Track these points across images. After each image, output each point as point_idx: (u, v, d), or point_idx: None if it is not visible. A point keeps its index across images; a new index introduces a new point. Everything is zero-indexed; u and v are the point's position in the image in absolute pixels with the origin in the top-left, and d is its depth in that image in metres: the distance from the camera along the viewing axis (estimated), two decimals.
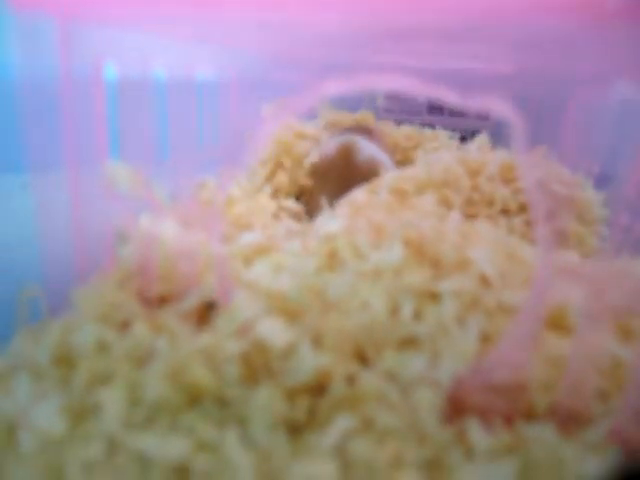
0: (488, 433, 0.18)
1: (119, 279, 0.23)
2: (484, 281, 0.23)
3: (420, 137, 0.53)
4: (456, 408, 0.19)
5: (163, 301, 0.23)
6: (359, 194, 0.32)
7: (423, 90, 0.17)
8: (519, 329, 0.19)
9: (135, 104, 0.25)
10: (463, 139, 0.53)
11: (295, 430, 0.18)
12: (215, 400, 0.18)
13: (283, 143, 0.43)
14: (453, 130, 0.54)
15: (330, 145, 0.42)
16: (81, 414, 0.18)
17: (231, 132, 0.36)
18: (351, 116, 0.55)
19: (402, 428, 0.17)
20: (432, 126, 0.57)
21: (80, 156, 0.24)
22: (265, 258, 0.23)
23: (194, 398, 0.18)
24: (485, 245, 0.24)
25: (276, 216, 0.35)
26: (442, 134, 0.53)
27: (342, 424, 0.17)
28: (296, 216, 0.37)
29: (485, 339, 0.20)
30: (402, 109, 0.62)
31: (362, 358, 0.20)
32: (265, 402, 0.17)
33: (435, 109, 0.61)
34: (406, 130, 0.54)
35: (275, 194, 0.41)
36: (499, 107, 0.17)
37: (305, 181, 0.41)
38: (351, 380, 0.19)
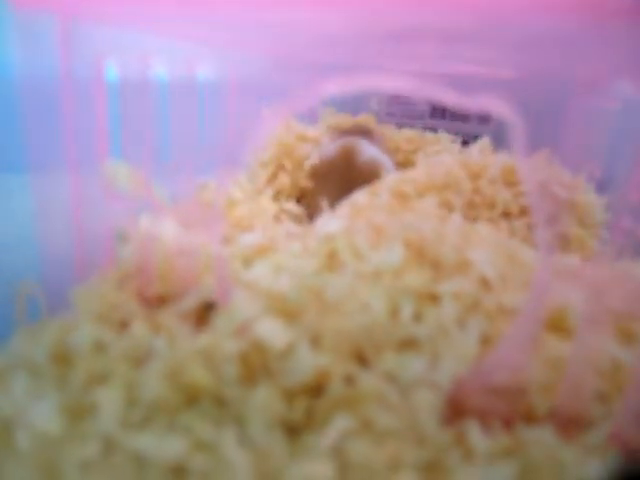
0: (487, 435, 0.18)
1: (118, 279, 0.23)
2: (484, 283, 0.23)
3: (421, 141, 0.53)
4: (455, 410, 0.19)
5: (162, 301, 0.23)
6: (360, 196, 0.32)
7: (423, 90, 0.17)
8: (519, 331, 0.18)
9: (136, 104, 0.25)
10: (465, 143, 0.53)
11: (293, 431, 0.17)
12: (213, 400, 0.18)
13: (284, 145, 0.43)
14: (455, 134, 0.54)
15: (331, 147, 0.42)
16: (78, 413, 0.18)
17: (232, 133, 0.36)
18: (352, 119, 0.55)
19: (401, 429, 0.17)
20: (434, 130, 0.57)
21: (80, 156, 0.24)
22: (265, 259, 0.23)
23: (192, 398, 0.18)
24: (486, 247, 0.24)
25: (277, 218, 0.35)
26: (444, 138, 0.53)
27: (340, 425, 0.17)
28: (297, 218, 0.37)
29: (485, 341, 0.20)
30: (404, 113, 0.62)
31: (361, 359, 0.20)
32: (263, 402, 0.17)
33: (437, 113, 0.61)
34: (407, 133, 0.54)
35: (276, 196, 0.41)
36: (498, 108, 0.17)
37: (306, 183, 0.41)
38: (350, 381, 0.18)
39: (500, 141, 0.45)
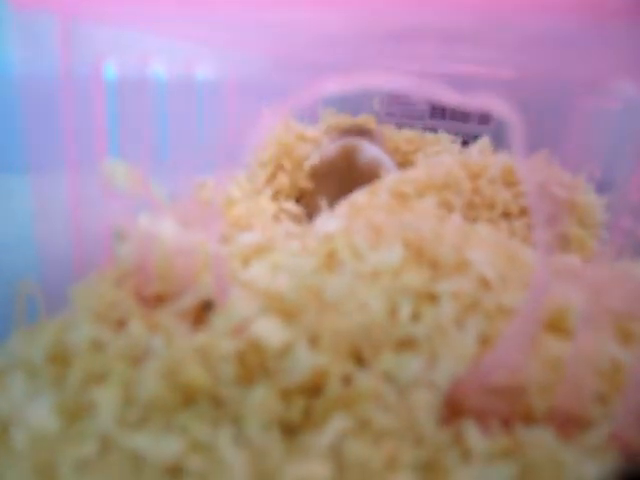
0: (486, 435, 0.18)
1: (116, 277, 0.23)
2: (483, 283, 0.23)
3: (421, 141, 0.53)
4: (453, 410, 0.19)
5: (160, 300, 0.23)
6: (359, 196, 0.32)
7: (422, 89, 0.17)
8: (517, 331, 0.18)
9: (135, 103, 0.25)
10: (465, 143, 0.53)
11: (290, 430, 0.17)
12: (210, 399, 0.18)
13: (284, 145, 0.43)
14: (455, 134, 0.54)
15: (331, 147, 0.42)
16: (75, 413, 0.18)
17: (231, 132, 0.36)
18: (352, 120, 0.55)
19: (399, 429, 0.17)
20: (434, 130, 0.57)
21: (80, 155, 0.24)
22: (263, 258, 0.23)
23: (189, 397, 0.18)
24: (485, 247, 0.24)
25: (276, 218, 0.35)
26: (444, 138, 0.53)
27: (338, 424, 0.16)
28: (296, 218, 0.37)
29: (484, 341, 0.20)
30: (404, 113, 0.62)
31: (359, 359, 0.20)
32: (260, 402, 0.17)
33: (437, 113, 0.61)
34: (407, 134, 0.54)
35: (275, 196, 0.41)
36: (498, 107, 0.17)
37: (305, 183, 0.41)
38: (347, 381, 0.18)
39: (500, 141, 0.45)
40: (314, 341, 0.19)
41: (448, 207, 0.36)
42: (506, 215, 0.37)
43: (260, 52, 0.38)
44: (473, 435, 0.17)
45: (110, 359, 0.19)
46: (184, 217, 0.23)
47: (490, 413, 0.18)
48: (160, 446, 0.16)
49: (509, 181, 0.39)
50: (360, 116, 0.56)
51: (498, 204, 0.37)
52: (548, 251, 0.17)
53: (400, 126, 0.57)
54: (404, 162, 0.50)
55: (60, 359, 0.20)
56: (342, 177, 0.40)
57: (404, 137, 0.53)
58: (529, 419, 0.19)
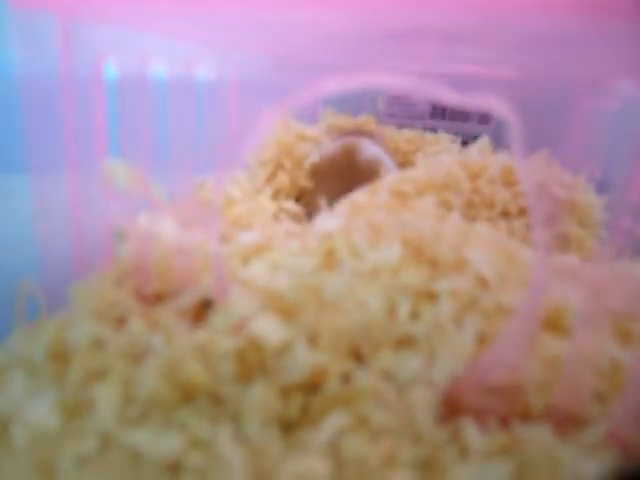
0: (484, 433, 0.18)
1: (116, 277, 0.24)
2: (482, 282, 0.23)
3: (421, 141, 0.53)
4: (452, 408, 0.19)
5: (160, 299, 0.23)
6: (359, 195, 0.32)
7: (422, 89, 0.17)
8: (516, 330, 0.18)
9: (135, 103, 0.25)
10: (465, 143, 0.53)
11: (289, 428, 0.17)
12: (209, 397, 0.18)
13: (284, 144, 0.43)
14: (455, 134, 0.54)
15: (331, 146, 0.42)
16: (75, 410, 0.18)
17: (231, 132, 0.36)
18: (352, 120, 0.55)
19: (397, 427, 0.17)
20: (434, 130, 0.57)
21: (80, 155, 0.24)
22: (263, 257, 0.23)
23: (188, 395, 0.18)
24: (484, 246, 0.24)
25: (276, 217, 0.35)
26: (443, 138, 0.53)
27: (336, 422, 0.17)
28: (296, 217, 0.37)
29: (482, 340, 0.20)
30: (404, 113, 0.62)
31: (358, 357, 0.20)
32: (259, 399, 0.17)
33: (437, 113, 0.61)
34: (407, 134, 0.54)
35: (275, 195, 0.41)
36: (497, 106, 0.17)
37: (305, 183, 0.41)
38: (346, 379, 0.18)
39: (500, 141, 0.45)
40: (313, 339, 0.19)
41: (448, 206, 0.36)
42: (505, 215, 0.37)
43: (260, 52, 0.38)
44: (471, 433, 0.17)
45: (110, 357, 0.19)
46: (184, 217, 0.23)
47: (488, 411, 0.18)
48: (159, 443, 0.16)
49: (508, 181, 0.39)
50: (360, 116, 0.56)
51: (497, 204, 0.37)
52: (546, 251, 0.17)
53: (400, 126, 0.57)
54: (404, 162, 0.50)
55: (60, 357, 0.20)
56: (342, 176, 0.40)
57: (404, 137, 0.53)
58: (527, 417, 0.19)
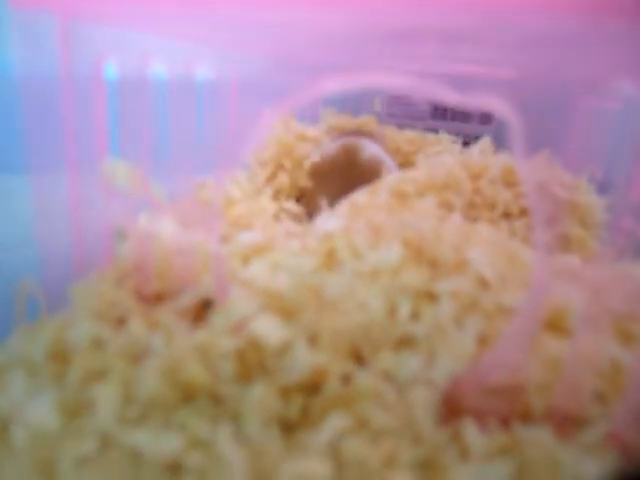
0: (484, 434, 0.18)
1: (116, 276, 0.24)
2: (483, 283, 0.23)
3: (422, 141, 0.53)
4: (452, 409, 0.19)
5: (160, 299, 0.23)
6: (359, 195, 0.32)
7: (422, 89, 0.17)
8: (516, 331, 0.18)
9: (135, 103, 0.25)
10: (466, 144, 0.53)
11: (289, 428, 0.17)
12: (209, 397, 0.18)
13: (284, 145, 0.43)
14: (456, 135, 0.54)
15: (331, 146, 0.42)
16: (75, 410, 0.18)
17: (231, 132, 0.36)
18: (353, 120, 0.55)
19: (397, 428, 0.17)
20: (435, 131, 0.57)
21: (80, 155, 0.24)
22: (263, 257, 0.23)
23: (188, 395, 0.18)
24: (485, 247, 0.24)
25: (276, 218, 0.35)
26: (444, 138, 0.53)
27: (336, 422, 0.17)
28: (296, 218, 0.37)
29: (483, 341, 0.20)
30: (405, 114, 0.62)
31: (358, 358, 0.20)
32: (259, 400, 0.17)
33: (438, 114, 0.61)
34: (408, 134, 0.54)
35: (276, 195, 0.41)
36: (498, 106, 0.17)
37: (306, 183, 0.41)
38: (346, 379, 0.18)
39: (501, 142, 0.45)
40: (313, 340, 0.19)
41: (448, 207, 0.36)
42: (507, 215, 0.37)
43: (260, 52, 0.38)
44: (471, 434, 0.17)
45: (110, 357, 0.19)
46: (184, 217, 0.23)
47: (488, 412, 0.18)
48: (159, 443, 0.16)
49: (510, 181, 0.39)
50: (361, 117, 0.56)
51: (499, 204, 0.37)
52: (548, 251, 0.17)
53: (401, 127, 0.57)
54: (405, 163, 0.50)
55: (60, 357, 0.20)
56: (343, 175, 0.40)
57: (405, 138, 0.53)
58: (527, 418, 0.19)
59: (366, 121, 0.54)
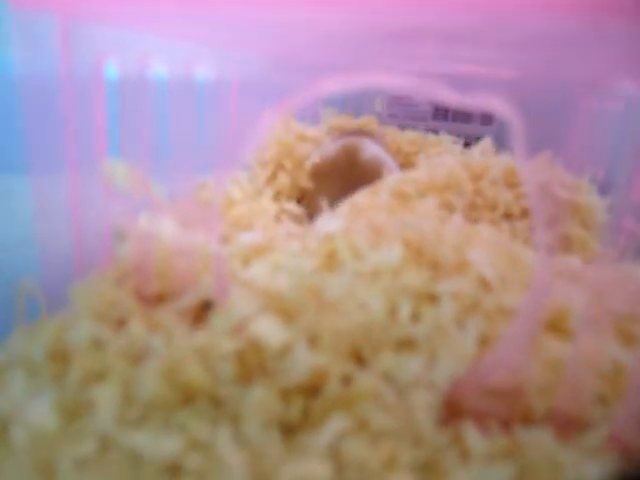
0: (485, 436, 0.17)
1: (116, 277, 0.23)
2: (484, 284, 0.23)
3: (423, 142, 0.53)
4: (453, 411, 0.18)
5: (160, 299, 0.23)
6: (360, 196, 0.32)
7: (423, 89, 0.17)
8: (517, 332, 0.18)
9: (135, 103, 0.25)
10: (467, 144, 0.53)
11: (289, 430, 0.17)
12: (209, 399, 0.18)
13: (284, 145, 0.42)
14: (457, 135, 0.54)
15: (332, 146, 0.42)
16: (75, 411, 0.18)
17: (231, 132, 0.36)
18: (354, 121, 0.55)
19: (397, 430, 0.17)
20: (436, 131, 0.57)
21: (80, 155, 0.24)
22: (263, 258, 0.23)
23: (188, 396, 0.18)
24: (486, 248, 0.24)
25: (277, 218, 0.35)
26: (445, 139, 0.53)
27: (336, 424, 0.16)
28: (297, 219, 0.37)
29: (484, 342, 0.20)
30: (406, 114, 0.62)
31: (359, 359, 0.20)
32: (259, 401, 0.17)
33: (439, 114, 0.61)
34: (409, 135, 0.54)
35: (276, 196, 0.41)
36: (498, 107, 0.17)
37: (306, 183, 0.41)
38: (347, 381, 0.18)
39: (502, 142, 0.45)
40: (314, 341, 0.19)
41: (450, 208, 0.36)
42: (508, 216, 0.37)
43: (260, 52, 0.38)
44: (472, 436, 0.17)
45: (110, 358, 0.19)
46: (184, 217, 0.23)
47: (489, 414, 0.18)
48: (159, 445, 0.16)
49: (511, 182, 0.38)
50: (362, 117, 0.56)
51: (500, 205, 0.37)
52: (549, 252, 0.17)
53: (402, 127, 0.57)
54: (406, 163, 0.50)
55: (60, 357, 0.20)
56: (343, 176, 0.40)
57: (406, 138, 0.53)
58: (528, 420, 0.19)
59: (367, 121, 0.54)
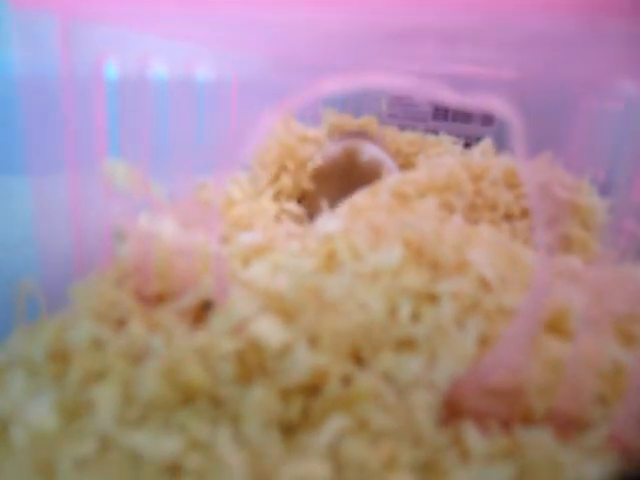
0: (485, 436, 0.17)
1: (116, 277, 0.23)
2: (484, 284, 0.23)
3: (423, 143, 0.53)
4: (453, 411, 0.18)
5: (160, 300, 0.23)
6: (360, 196, 0.32)
7: (423, 89, 0.17)
8: (517, 332, 0.18)
9: (135, 103, 0.25)
10: (467, 145, 0.53)
11: (289, 430, 0.17)
12: (209, 399, 0.18)
13: (286, 146, 0.42)
14: (458, 136, 0.54)
15: (332, 149, 0.42)
16: (74, 411, 0.18)
17: (231, 132, 0.36)
18: (354, 121, 0.55)
19: (397, 430, 0.17)
20: (436, 132, 0.57)
21: (80, 155, 0.24)
22: (263, 258, 0.23)
23: (188, 396, 0.18)
24: (486, 248, 0.24)
25: (277, 218, 0.35)
26: (445, 140, 0.53)
27: (336, 424, 0.16)
28: (297, 219, 0.37)
29: (484, 342, 0.20)
30: (406, 114, 0.62)
31: (358, 359, 0.20)
32: (259, 401, 0.17)
33: (440, 115, 0.61)
34: (409, 136, 0.54)
35: (277, 197, 0.40)
36: (499, 107, 0.17)
37: (308, 185, 0.41)
38: (347, 381, 0.18)
39: (502, 143, 0.44)
40: (313, 341, 0.19)
41: (449, 208, 0.36)
42: (508, 217, 0.37)
43: (260, 52, 0.38)
44: (472, 436, 0.17)
45: (110, 358, 0.19)
46: (184, 217, 0.23)
47: (489, 414, 0.18)
48: (159, 445, 0.16)
49: (511, 183, 0.38)
50: (362, 117, 0.56)
51: (500, 206, 0.37)
52: (549, 252, 0.17)
53: (402, 127, 0.57)
54: (406, 164, 0.50)
55: (60, 357, 0.20)
56: (344, 178, 0.40)
57: (406, 139, 0.53)
58: (528, 420, 0.19)
59: (367, 122, 0.54)
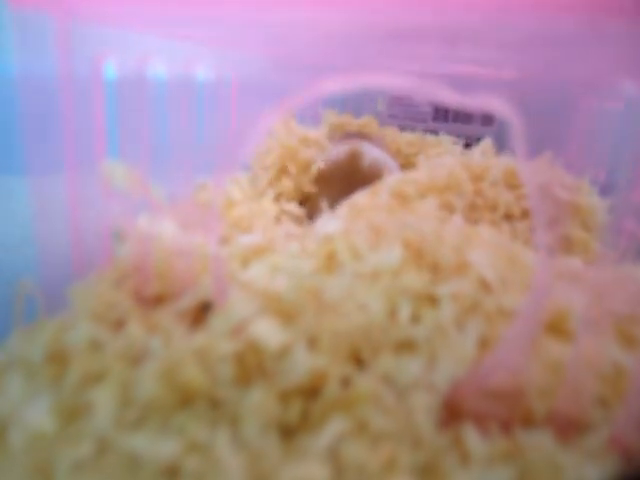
0: (485, 439, 0.17)
1: (115, 278, 0.23)
2: (484, 285, 0.22)
3: (423, 143, 0.53)
4: (453, 413, 0.18)
5: (159, 301, 0.23)
6: (360, 197, 0.32)
7: (423, 89, 0.17)
8: (518, 334, 0.18)
9: (134, 103, 0.25)
10: (468, 145, 0.53)
11: (288, 432, 0.17)
12: (208, 400, 0.18)
13: (287, 148, 0.42)
14: (458, 136, 0.54)
15: (334, 152, 0.42)
16: (72, 413, 0.18)
17: (231, 133, 0.36)
18: (354, 121, 0.55)
19: (397, 432, 0.17)
20: (436, 132, 0.56)
21: (79, 155, 0.24)
22: (263, 259, 0.23)
23: (187, 398, 0.18)
24: (486, 249, 0.24)
25: (277, 219, 0.35)
26: (445, 140, 0.53)
27: (335, 426, 0.16)
28: (298, 220, 0.37)
29: (484, 344, 0.20)
30: (406, 115, 0.62)
31: (358, 361, 0.20)
32: (258, 403, 0.17)
33: (440, 115, 0.61)
34: (409, 136, 0.54)
35: (277, 198, 0.40)
36: (499, 107, 0.16)
37: (310, 188, 0.41)
38: (346, 383, 0.18)
39: (503, 143, 0.44)
40: (313, 342, 0.19)
41: (450, 209, 0.36)
42: (508, 217, 0.37)
43: (260, 52, 0.38)
44: (472, 438, 0.17)
45: (108, 359, 0.19)
46: (183, 218, 0.23)
47: (489, 416, 0.18)
48: (157, 447, 0.16)
49: (511, 183, 0.38)
50: (362, 117, 0.56)
51: (500, 206, 0.37)
52: (549, 253, 0.17)
53: (402, 128, 0.57)
54: (406, 164, 0.50)
55: (58, 359, 0.20)
56: (347, 181, 0.40)
57: (406, 140, 0.53)
58: (529, 422, 0.19)
59: (367, 122, 0.54)
